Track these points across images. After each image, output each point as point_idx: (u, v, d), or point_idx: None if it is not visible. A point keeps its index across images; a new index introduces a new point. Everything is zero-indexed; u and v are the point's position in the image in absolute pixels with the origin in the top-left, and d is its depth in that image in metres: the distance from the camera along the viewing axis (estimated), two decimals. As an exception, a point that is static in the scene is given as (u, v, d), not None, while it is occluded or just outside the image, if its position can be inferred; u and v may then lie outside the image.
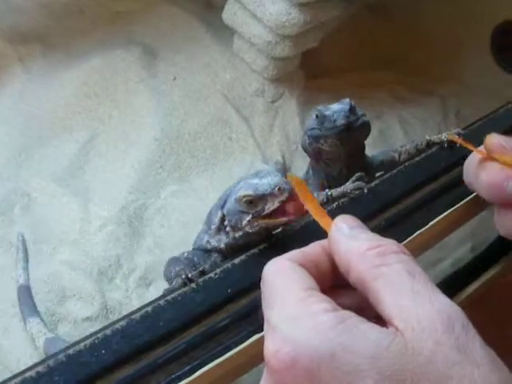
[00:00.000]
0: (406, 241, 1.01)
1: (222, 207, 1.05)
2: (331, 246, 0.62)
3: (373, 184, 1.12)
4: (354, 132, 1.27)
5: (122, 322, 0.86)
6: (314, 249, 0.64)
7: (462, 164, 0.99)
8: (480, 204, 1.02)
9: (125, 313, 1.64)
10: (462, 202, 1.07)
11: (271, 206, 0.95)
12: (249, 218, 0.98)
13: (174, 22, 2.59)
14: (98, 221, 1.99)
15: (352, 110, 1.28)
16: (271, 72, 2.33)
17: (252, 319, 0.91)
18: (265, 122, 2.35)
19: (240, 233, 1.02)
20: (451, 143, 1.18)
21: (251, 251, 0.97)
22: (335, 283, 0.64)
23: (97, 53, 2.43)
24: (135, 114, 2.30)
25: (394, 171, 1.15)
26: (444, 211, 1.08)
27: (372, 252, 0.57)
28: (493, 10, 2.68)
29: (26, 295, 1.74)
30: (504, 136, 0.81)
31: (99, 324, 1.73)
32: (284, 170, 2.13)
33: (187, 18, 2.61)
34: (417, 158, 1.19)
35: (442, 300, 0.53)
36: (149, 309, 0.88)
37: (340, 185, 1.32)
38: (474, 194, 1.00)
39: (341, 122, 1.25)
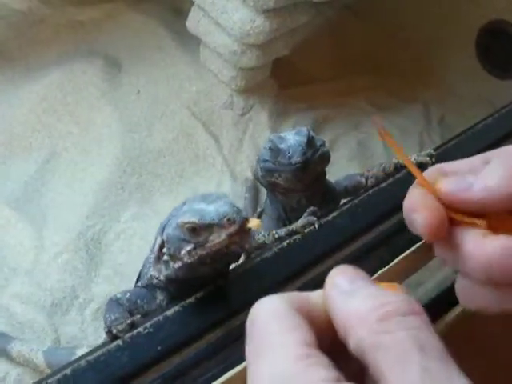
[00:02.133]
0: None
1: (162, 233, 0.93)
2: (327, 306, 0.52)
3: (330, 217, 1.01)
4: (311, 167, 1.15)
5: None
6: (312, 295, 0.55)
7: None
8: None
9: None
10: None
11: (216, 238, 0.85)
12: (189, 247, 0.88)
13: (138, 31, 2.49)
14: (53, 248, 1.88)
15: (310, 141, 1.16)
16: (239, 83, 2.23)
17: (185, 381, 0.82)
18: (234, 137, 2.25)
19: (179, 263, 0.90)
20: (421, 165, 1.08)
21: (187, 301, 0.88)
22: (334, 342, 0.53)
23: (57, 66, 2.34)
24: (96, 131, 2.20)
25: (355, 200, 1.05)
26: (411, 246, 0.97)
27: (373, 315, 0.48)
28: (478, 11, 2.59)
29: None
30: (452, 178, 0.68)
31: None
32: (254, 189, 2.02)
33: (153, 26, 2.51)
34: (382, 185, 1.09)
35: (456, 380, 0.45)
36: (67, 371, 0.78)
37: (300, 215, 1.23)
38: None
39: (296, 159, 1.13)
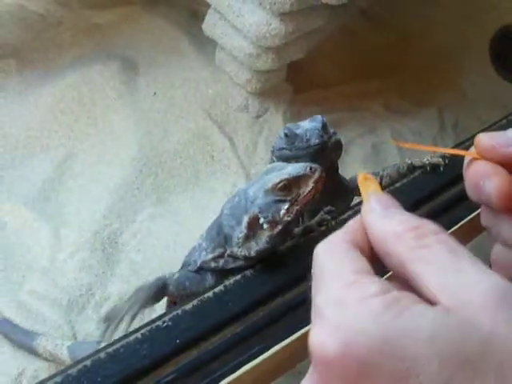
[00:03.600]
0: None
1: (247, 212, 0.97)
2: (366, 230, 0.55)
3: (345, 215, 1.03)
4: (327, 152, 1.16)
5: (57, 378, 0.77)
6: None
7: (447, 190, 0.95)
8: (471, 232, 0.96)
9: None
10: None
11: (306, 188, 0.94)
12: (287, 205, 0.94)
13: (155, 34, 2.51)
14: (69, 247, 1.89)
15: (324, 127, 1.17)
16: (255, 85, 2.24)
17: (203, 373, 0.84)
18: (249, 139, 2.26)
19: (279, 227, 0.95)
20: (434, 167, 1.10)
21: (205, 295, 0.89)
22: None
23: (74, 68, 2.36)
24: (113, 132, 2.21)
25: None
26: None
27: (410, 234, 0.51)
28: (492, 17, 2.60)
29: (10, 326, 1.69)
30: (493, 133, 0.69)
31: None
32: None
33: (170, 29, 2.53)
34: (397, 185, 1.09)
35: (491, 276, 0.47)
36: (87, 363, 0.79)
37: (311, 209, 1.22)
38: (462, 223, 0.91)
39: (315, 141, 1.15)
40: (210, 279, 1.04)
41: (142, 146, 2.15)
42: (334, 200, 1.24)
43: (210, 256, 1.03)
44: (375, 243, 0.54)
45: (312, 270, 0.54)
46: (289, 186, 0.93)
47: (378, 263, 0.55)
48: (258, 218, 0.96)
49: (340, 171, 1.31)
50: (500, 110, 2.27)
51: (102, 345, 1.53)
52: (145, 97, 2.31)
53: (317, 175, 0.93)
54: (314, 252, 0.55)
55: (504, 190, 0.63)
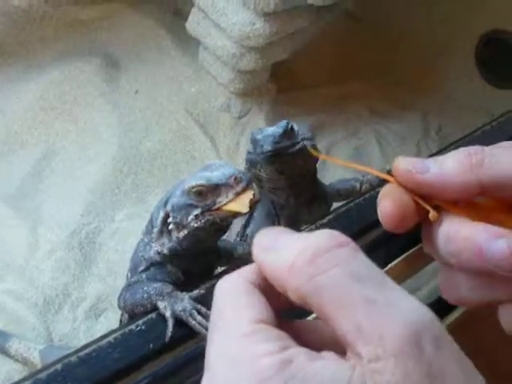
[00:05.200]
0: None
1: (165, 205, 0.93)
2: (260, 268, 0.52)
3: (325, 220, 0.97)
4: (285, 158, 1.13)
5: (27, 383, 0.74)
6: None
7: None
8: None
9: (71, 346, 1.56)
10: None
11: (224, 198, 0.86)
12: (197, 212, 0.88)
13: (138, 31, 2.49)
14: (46, 246, 1.87)
15: (286, 133, 1.14)
16: (237, 86, 2.22)
17: (178, 379, 0.81)
18: (231, 140, 2.24)
19: (185, 231, 0.91)
20: None
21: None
22: None
23: (57, 64, 2.33)
24: (94, 130, 2.19)
25: (351, 204, 1.02)
26: (400, 254, 0.96)
27: (301, 260, 0.47)
28: (478, 20, 2.58)
29: None
30: (411, 158, 0.66)
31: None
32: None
33: (153, 26, 2.50)
34: (378, 189, 1.06)
35: (404, 305, 0.44)
36: (58, 366, 0.76)
37: (288, 213, 1.23)
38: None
39: (267, 148, 1.10)
40: (170, 269, 0.99)
41: (123, 144, 2.13)
42: (312, 207, 1.23)
43: (152, 251, 0.98)
44: (273, 282, 0.50)
45: (212, 309, 0.52)
46: (204, 192, 0.87)
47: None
48: (169, 216, 0.93)
49: (322, 174, 1.29)
50: (484, 115, 2.27)
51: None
52: (126, 95, 2.29)
53: (240, 188, 0.86)
54: (215, 290, 0.52)
55: (390, 213, 0.63)
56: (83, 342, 1.63)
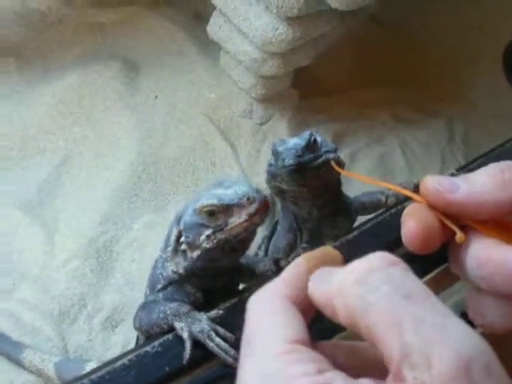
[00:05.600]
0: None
1: (178, 223, 0.91)
2: (314, 302, 0.51)
3: (350, 236, 0.94)
4: (308, 172, 1.09)
5: None
6: (305, 275, 0.55)
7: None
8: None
9: (86, 358, 1.53)
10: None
11: (237, 219, 0.85)
12: (208, 232, 0.86)
13: (158, 35, 2.45)
14: (63, 254, 1.84)
15: (310, 145, 1.10)
16: (259, 91, 2.17)
17: None
18: (252, 147, 2.19)
19: (198, 251, 0.89)
20: None
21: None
22: None
23: (75, 68, 2.30)
24: (112, 136, 2.16)
25: (377, 219, 0.99)
26: (428, 273, 0.91)
27: (351, 278, 0.47)
28: (506, 26, 2.54)
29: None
30: (439, 177, 0.65)
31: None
32: (271, 203, 1.97)
33: (173, 30, 2.46)
34: (406, 204, 1.01)
35: (455, 329, 0.42)
36: None
37: (311, 227, 1.20)
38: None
39: (288, 161, 1.07)
40: (190, 289, 0.96)
41: (142, 150, 2.09)
42: (336, 220, 1.20)
43: (170, 269, 0.96)
44: (322, 306, 0.50)
45: (245, 324, 0.51)
46: (216, 212, 0.85)
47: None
48: (181, 235, 0.90)
49: (346, 183, 1.25)
50: (510, 123, 2.23)
51: (88, 365, 1.49)
52: (146, 100, 2.25)
53: (252, 208, 0.83)
54: (248, 305, 0.52)
55: (414, 233, 0.61)
56: (99, 354, 1.62)
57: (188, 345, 0.79)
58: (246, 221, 0.84)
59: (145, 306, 0.96)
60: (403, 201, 1.02)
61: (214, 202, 0.84)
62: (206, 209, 0.85)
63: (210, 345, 0.80)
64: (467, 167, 1.09)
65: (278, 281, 0.54)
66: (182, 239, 0.90)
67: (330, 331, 0.64)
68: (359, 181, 0.98)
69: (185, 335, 0.81)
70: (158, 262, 1.01)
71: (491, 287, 0.60)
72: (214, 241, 0.86)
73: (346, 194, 1.27)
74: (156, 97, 2.25)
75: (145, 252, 1.88)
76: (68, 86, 2.24)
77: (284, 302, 0.51)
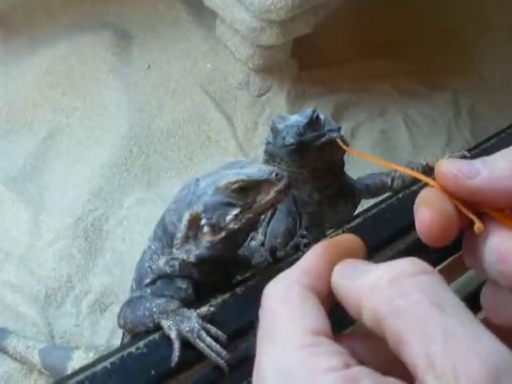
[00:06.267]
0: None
1: (189, 207, 0.83)
2: (337, 294, 0.49)
3: (354, 223, 0.89)
4: (309, 152, 1.03)
5: None
6: (320, 262, 0.51)
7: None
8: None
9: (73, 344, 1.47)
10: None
11: (265, 196, 0.81)
12: (236, 211, 0.81)
13: (152, 3, 2.38)
14: (49, 234, 1.78)
15: (312, 124, 1.02)
16: (257, 61, 2.12)
17: None
18: (249, 119, 2.14)
19: (222, 233, 0.82)
20: None
21: None
22: None
23: (64, 37, 2.23)
24: (102, 108, 2.09)
25: (383, 205, 0.91)
26: (438, 263, 0.88)
27: (383, 280, 0.45)
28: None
29: None
30: (456, 160, 0.58)
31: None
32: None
33: (168, -2, 2.38)
34: (413, 187, 0.95)
35: (485, 342, 0.40)
36: None
37: (311, 211, 1.14)
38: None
39: (289, 140, 1.00)
40: (181, 285, 0.88)
41: (133, 123, 2.04)
42: (338, 204, 1.14)
43: (163, 260, 0.88)
44: (347, 304, 0.48)
45: (260, 316, 0.48)
46: (246, 189, 0.80)
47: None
48: (200, 218, 0.82)
49: (346, 158, 1.18)
50: (517, 96, 2.17)
51: (75, 354, 1.42)
52: (138, 70, 2.19)
53: (281, 185, 0.80)
54: (264, 294, 0.49)
55: (429, 223, 0.55)
56: (86, 340, 1.55)
57: (176, 345, 0.73)
58: (273, 198, 0.81)
59: (129, 303, 0.88)
60: (410, 184, 0.96)
61: (244, 177, 0.79)
62: (234, 186, 0.79)
63: (201, 345, 0.74)
64: (479, 147, 1.03)
65: (294, 268, 0.50)
66: (203, 222, 0.82)
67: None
68: (363, 161, 0.92)
69: (173, 335, 0.75)
70: (145, 254, 0.93)
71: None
72: (243, 220, 0.81)
73: (349, 176, 1.20)
74: (149, 67, 2.20)
75: (135, 230, 1.82)
76: (56, 56, 2.18)
77: (302, 291, 0.48)
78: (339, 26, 2.44)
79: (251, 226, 0.85)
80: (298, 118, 1.03)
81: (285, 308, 0.47)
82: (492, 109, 2.23)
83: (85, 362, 1.37)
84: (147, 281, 0.89)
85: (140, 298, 0.86)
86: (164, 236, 0.88)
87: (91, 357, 1.41)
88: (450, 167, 0.56)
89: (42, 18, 2.29)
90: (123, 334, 1.04)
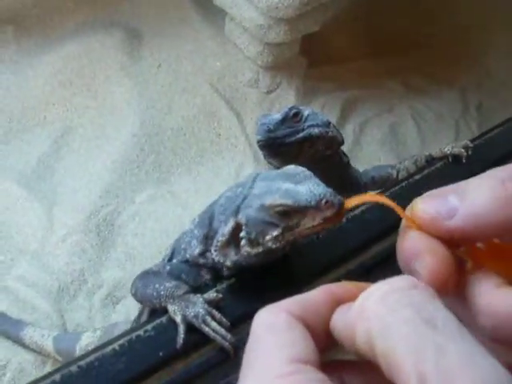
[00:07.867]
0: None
1: (236, 214, 0.81)
2: (334, 335, 0.47)
3: (358, 211, 0.91)
4: (284, 147, 1.05)
5: None
6: (319, 296, 0.50)
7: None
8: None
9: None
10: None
11: (310, 222, 0.76)
12: (277, 232, 0.78)
13: (161, 2, 2.39)
14: (62, 229, 1.79)
15: (287, 120, 1.04)
16: (266, 59, 2.12)
17: None
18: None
19: (259, 249, 0.80)
20: (456, 157, 1.01)
21: None
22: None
23: (75, 37, 2.24)
24: (114, 106, 2.10)
25: (387, 194, 0.94)
26: None
27: (371, 299, 0.44)
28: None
29: None
30: (433, 199, 0.54)
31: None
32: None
33: (178, -3, 2.40)
34: (416, 177, 0.98)
35: (479, 360, 0.39)
36: (56, 377, 0.69)
37: None
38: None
39: (257, 137, 1.04)
40: (204, 274, 0.89)
41: (144, 121, 2.05)
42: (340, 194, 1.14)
43: (197, 250, 0.88)
44: (341, 336, 0.46)
45: (248, 341, 0.48)
46: (289, 213, 0.76)
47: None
48: (241, 229, 0.81)
49: (355, 153, 1.19)
50: (526, 92, 2.18)
51: (84, 336, 1.45)
52: (149, 69, 2.20)
53: (329, 213, 0.74)
54: (254, 320, 0.48)
55: (436, 272, 0.51)
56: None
57: (181, 329, 0.75)
58: (319, 225, 0.75)
59: (144, 275, 0.89)
60: (413, 174, 0.99)
61: (289, 202, 0.75)
62: (278, 208, 0.76)
63: (206, 329, 0.76)
64: (481, 138, 1.04)
65: (288, 299, 0.49)
66: (243, 234, 0.81)
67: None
68: (368, 146, 0.93)
69: (178, 319, 0.76)
70: (185, 236, 0.94)
71: (499, 336, 0.51)
72: (282, 242, 0.78)
73: (355, 168, 1.22)
74: (159, 66, 2.20)
75: (147, 226, 1.83)
76: (68, 55, 2.19)
77: (290, 320, 0.47)
78: (348, 23, 2.45)
79: (292, 244, 0.82)
80: (275, 116, 1.05)
81: (270, 334, 0.47)
82: (499, 104, 2.24)
83: (91, 339, 1.42)
84: (178, 258, 0.92)
85: (156, 273, 0.88)
86: (209, 227, 0.87)
87: (98, 335, 1.42)
88: (427, 208, 0.53)
89: (54, 17, 2.31)
90: (140, 310, 1.06)
